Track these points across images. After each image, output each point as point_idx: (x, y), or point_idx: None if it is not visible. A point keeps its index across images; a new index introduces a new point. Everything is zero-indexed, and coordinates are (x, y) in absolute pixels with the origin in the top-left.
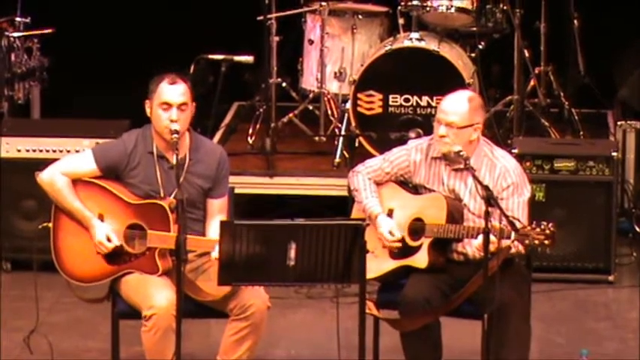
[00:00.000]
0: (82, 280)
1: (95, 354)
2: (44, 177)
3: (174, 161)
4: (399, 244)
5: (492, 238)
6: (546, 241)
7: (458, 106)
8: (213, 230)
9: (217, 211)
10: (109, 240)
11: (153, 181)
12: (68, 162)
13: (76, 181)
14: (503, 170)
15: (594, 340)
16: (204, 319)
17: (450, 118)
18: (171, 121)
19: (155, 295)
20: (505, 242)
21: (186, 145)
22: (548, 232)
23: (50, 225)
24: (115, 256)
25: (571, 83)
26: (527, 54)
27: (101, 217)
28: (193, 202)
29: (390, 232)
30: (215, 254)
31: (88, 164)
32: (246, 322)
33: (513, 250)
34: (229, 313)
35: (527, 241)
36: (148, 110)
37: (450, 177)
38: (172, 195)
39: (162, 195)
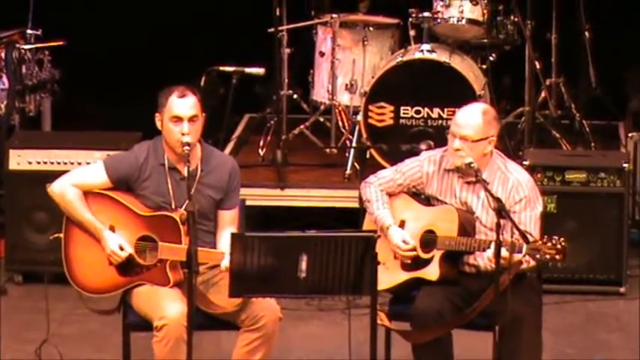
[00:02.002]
0: (93, 291)
1: None
2: (55, 188)
3: (185, 173)
4: (413, 254)
5: (504, 252)
6: (557, 256)
7: (472, 119)
8: (224, 242)
9: (228, 223)
10: (121, 249)
11: (164, 193)
12: (79, 173)
13: (87, 193)
14: (515, 183)
15: (605, 351)
16: (214, 331)
17: (464, 131)
18: (183, 134)
19: (166, 306)
20: (517, 256)
21: (197, 156)
22: (559, 246)
23: (61, 236)
24: (126, 268)
25: (582, 95)
26: (538, 66)
27: (112, 229)
28: (204, 213)
29: (404, 241)
30: (225, 264)
31: (99, 176)
32: (258, 333)
33: (525, 266)
34: (241, 324)
35: (538, 256)
36: (158, 123)
37: (463, 189)
38: (183, 207)
39: (173, 206)
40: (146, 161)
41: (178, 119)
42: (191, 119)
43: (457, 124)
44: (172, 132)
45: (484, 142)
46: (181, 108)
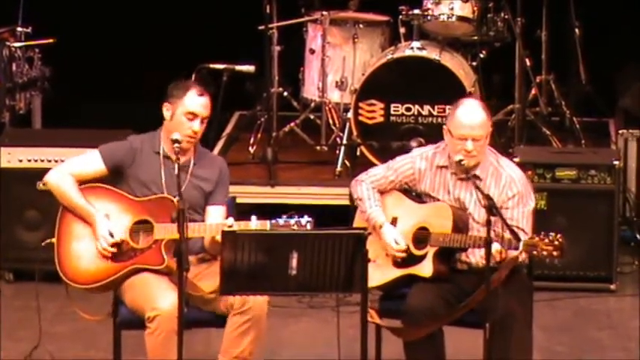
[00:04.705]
0: (88, 282)
1: None
2: (51, 177)
3: (176, 170)
4: (404, 254)
5: (500, 247)
6: (555, 252)
7: (479, 118)
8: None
9: (217, 218)
10: (111, 235)
11: (157, 180)
12: (75, 162)
13: (83, 187)
14: (508, 180)
15: (596, 349)
16: (205, 329)
17: (476, 132)
18: (194, 132)
19: (159, 297)
20: (512, 253)
21: (190, 150)
22: (556, 243)
23: (54, 240)
24: (119, 255)
25: (572, 92)
26: (528, 63)
27: (107, 218)
28: (195, 205)
29: (395, 241)
30: (230, 221)
31: (95, 163)
32: (246, 315)
33: (521, 259)
34: (229, 308)
35: (535, 252)
36: (167, 113)
37: (456, 186)
38: (175, 198)
39: (165, 195)
40: (141, 149)
41: (194, 116)
42: (203, 120)
43: (467, 125)
44: (184, 126)
45: (488, 137)
46: (199, 106)
